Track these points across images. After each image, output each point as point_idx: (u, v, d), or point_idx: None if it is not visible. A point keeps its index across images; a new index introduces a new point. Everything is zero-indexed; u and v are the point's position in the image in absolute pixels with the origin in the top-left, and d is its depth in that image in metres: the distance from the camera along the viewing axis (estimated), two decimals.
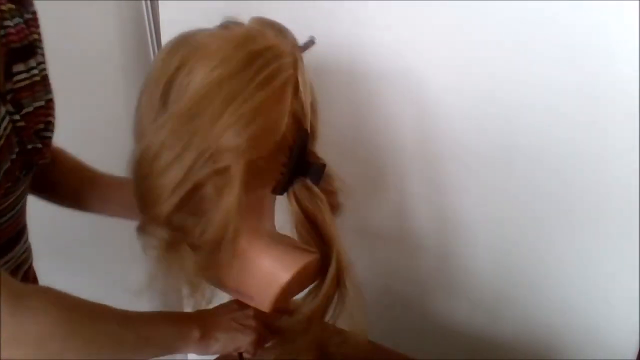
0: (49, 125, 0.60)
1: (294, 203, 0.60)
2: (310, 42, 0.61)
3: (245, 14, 0.60)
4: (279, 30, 0.59)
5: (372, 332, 0.67)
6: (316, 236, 0.62)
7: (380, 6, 0.86)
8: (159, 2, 1.11)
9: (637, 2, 0.70)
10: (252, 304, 0.65)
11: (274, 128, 0.56)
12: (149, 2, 1.14)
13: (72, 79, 0.99)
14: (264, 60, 0.54)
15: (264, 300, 0.62)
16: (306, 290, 0.66)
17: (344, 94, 0.94)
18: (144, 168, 0.54)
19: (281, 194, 0.61)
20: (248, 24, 0.60)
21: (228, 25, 0.59)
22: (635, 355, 0.85)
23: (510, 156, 0.86)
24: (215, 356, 0.71)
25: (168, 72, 0.54)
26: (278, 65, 0.55)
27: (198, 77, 0.52)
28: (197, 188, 0.53)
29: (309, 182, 0.60)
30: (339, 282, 0.62)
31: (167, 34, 1.10)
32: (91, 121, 1.10)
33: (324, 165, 0.61)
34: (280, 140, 0.57)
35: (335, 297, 0.63)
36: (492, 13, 0.79)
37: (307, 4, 0.91)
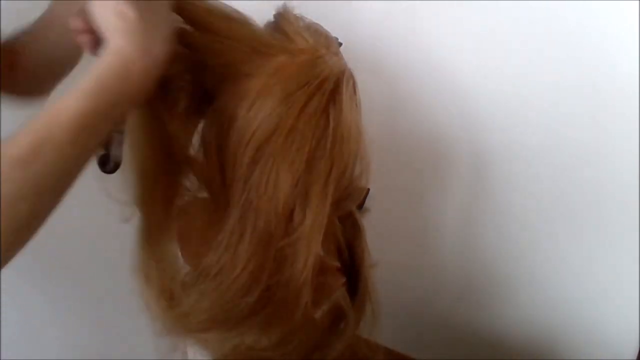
0: None
1: (338, 228, 0.59)
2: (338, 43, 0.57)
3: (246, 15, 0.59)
4: (325, 36, 0.55)
5: (384, 336, 0.67)
6: (349, 260, 0.61)
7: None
8: None
9: (637, 1, 0.70)
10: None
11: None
12: None
13: (71, 79, 0.98)
14: (336, 110, 0.51)
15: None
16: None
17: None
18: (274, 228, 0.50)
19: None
20: (299, 30, 0.53)
21: (288, 35, 0.53)
22: (635, 355, 0.85)
23: (513, 155, 0.86)
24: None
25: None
26: (339, 101, 0.52)
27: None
28: None
29: (353, 209, 0.59)
30: (362, 307, 0.62)
31: None
32: None
33: (367, 190, 0.60)
34: None
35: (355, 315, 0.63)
36: (494, 13, 0.79)
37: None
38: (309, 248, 0.50)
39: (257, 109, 0.49)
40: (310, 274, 0.50)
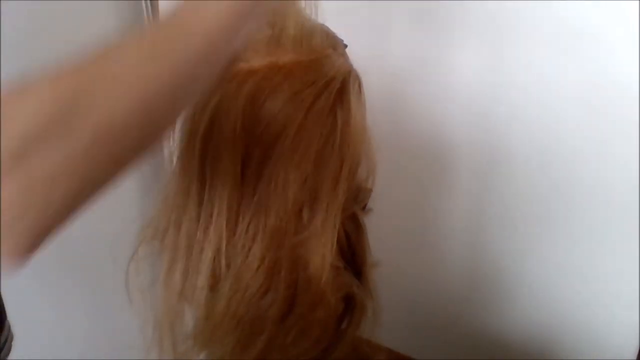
0: None
1: (340, 228, 0.60)
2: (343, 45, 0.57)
3: None
4: (332, 37, 0.55)
5: (385, 337, 0.67)
6: (352, 261, 0.61)
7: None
8: (159, 2, 1.11)
9: (637, 1, 0.70)
10: None
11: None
12: (149, 2, 1.13)
13: None
14: (344, 110, 0.51)
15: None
16: None
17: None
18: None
19: None
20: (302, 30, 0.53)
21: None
22: (635, 355, 0.85)
23: (515, 156, 0.86)
24: None
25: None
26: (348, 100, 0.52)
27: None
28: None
29: (356, 209, 0.59)
30: (364, 309, 0.62)
31: None
32: None
33: (370, 191, 0.60)
34: None
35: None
36: (495, 13, 0.80)
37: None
38: (323, 247, 0.50)
39: (266, 108, 0.49)
40: (329, 273, 0.50)
